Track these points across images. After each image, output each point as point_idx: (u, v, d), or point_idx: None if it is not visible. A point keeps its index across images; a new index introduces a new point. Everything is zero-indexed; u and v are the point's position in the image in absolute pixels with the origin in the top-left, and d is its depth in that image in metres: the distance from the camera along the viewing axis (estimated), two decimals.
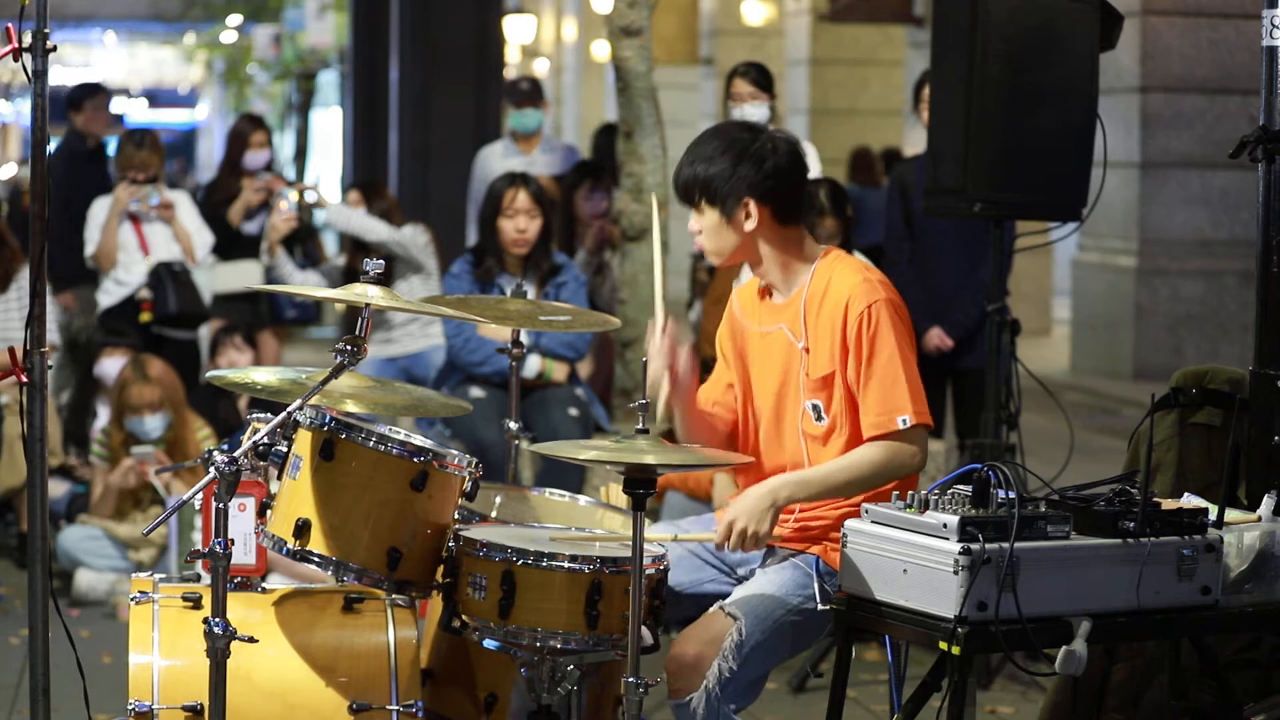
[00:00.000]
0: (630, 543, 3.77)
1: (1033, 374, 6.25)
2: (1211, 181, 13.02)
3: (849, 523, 3.88)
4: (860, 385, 4.07)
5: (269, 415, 4.20)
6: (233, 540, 3.75)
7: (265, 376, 4.29)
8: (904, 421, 4.04)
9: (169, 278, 8.77)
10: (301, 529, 4.04)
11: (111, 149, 9.68)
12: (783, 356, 4.18)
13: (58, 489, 7.92)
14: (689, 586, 4.24)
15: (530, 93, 9.74)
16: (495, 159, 9.58)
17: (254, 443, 4.01)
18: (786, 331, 4.16)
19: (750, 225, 4.14)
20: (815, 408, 4.12)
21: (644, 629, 3.91)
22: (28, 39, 3.87)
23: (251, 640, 3.85)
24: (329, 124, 29.27)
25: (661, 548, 4.15)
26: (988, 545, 3.63)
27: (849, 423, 4.10)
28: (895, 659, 4.28)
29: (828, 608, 3.99)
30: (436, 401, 4.74)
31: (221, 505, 3.69)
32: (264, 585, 4.32)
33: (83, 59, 43.58)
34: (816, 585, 4.08)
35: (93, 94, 10.18)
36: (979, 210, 5.98)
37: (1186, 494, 4.20)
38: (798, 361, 4.14)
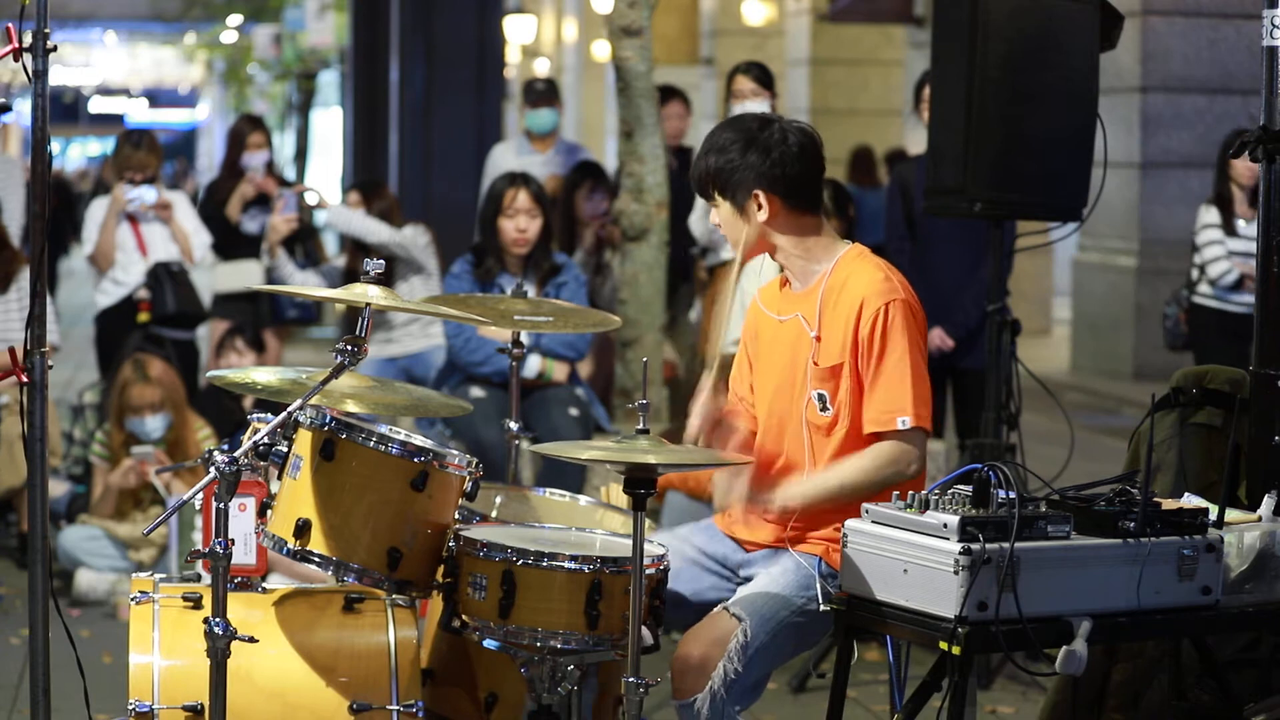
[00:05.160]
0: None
1: (1033, 374, 6.24)
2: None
3: (849, 523, 3.88)
4: (867, 382, 4.07)
5: (269, 415, 4.20)
6: (233, 540, 3.75)
7: (265, 376, 4.29)
8: (903, 422, 4.04)
9: (167, 278, 8.76)
10: (302, 529, 4.04)
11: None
12: (795, 344, 4.18)
13: (58, 489, 7.91)
14: (691, 595, 4.24)
15: (545, 93, 9.73)
16: (508, 158, 9.55)
17: (254, 443, 4.01)
18: (802, 320, 4.17)
19: (762, 216, 4.15)
20: (821, 397, 4.12)
21: (644, 629, 3.91)
22: (28, 39, 3.87)
23: (252, 640, 3.85)
24: (329, 124, 29.28)
25: (662, 548, 4.15)
26: (988, 545, 3.63)
27: (852, 416, 4.10)
28: (896, 659, 4.28)
29: (830, 608, 3.99)
30: (436, 401, 4.74)
31: (221, 505, 3.69)
32: (264, 585, 4.32)
33: (83, 59, 43.58)
34: (819, 585, 4.08)
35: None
36: (979, 210, 5.97)
37: (1186, 494, 4.20)
38: (808, 349, 4.14)
